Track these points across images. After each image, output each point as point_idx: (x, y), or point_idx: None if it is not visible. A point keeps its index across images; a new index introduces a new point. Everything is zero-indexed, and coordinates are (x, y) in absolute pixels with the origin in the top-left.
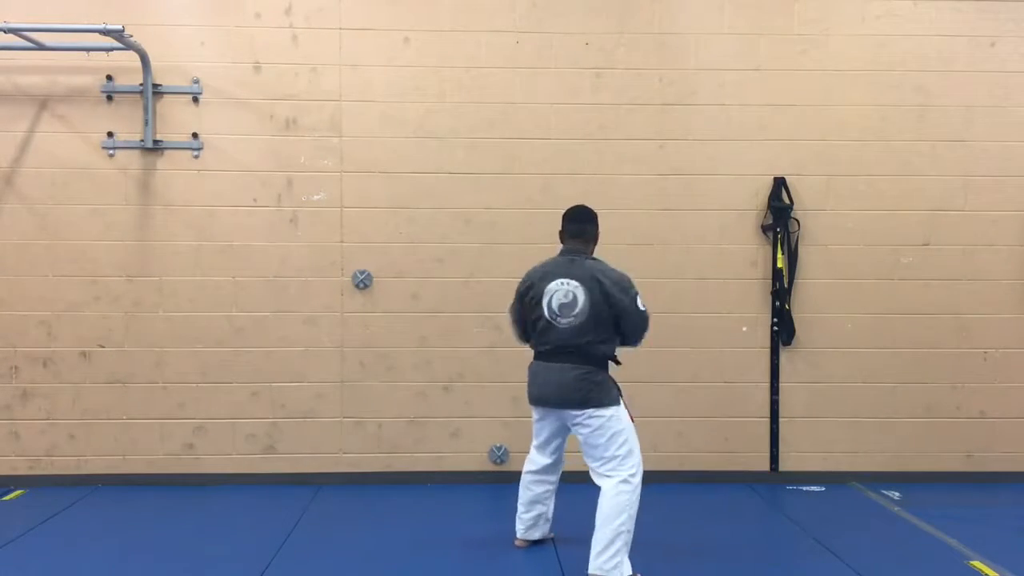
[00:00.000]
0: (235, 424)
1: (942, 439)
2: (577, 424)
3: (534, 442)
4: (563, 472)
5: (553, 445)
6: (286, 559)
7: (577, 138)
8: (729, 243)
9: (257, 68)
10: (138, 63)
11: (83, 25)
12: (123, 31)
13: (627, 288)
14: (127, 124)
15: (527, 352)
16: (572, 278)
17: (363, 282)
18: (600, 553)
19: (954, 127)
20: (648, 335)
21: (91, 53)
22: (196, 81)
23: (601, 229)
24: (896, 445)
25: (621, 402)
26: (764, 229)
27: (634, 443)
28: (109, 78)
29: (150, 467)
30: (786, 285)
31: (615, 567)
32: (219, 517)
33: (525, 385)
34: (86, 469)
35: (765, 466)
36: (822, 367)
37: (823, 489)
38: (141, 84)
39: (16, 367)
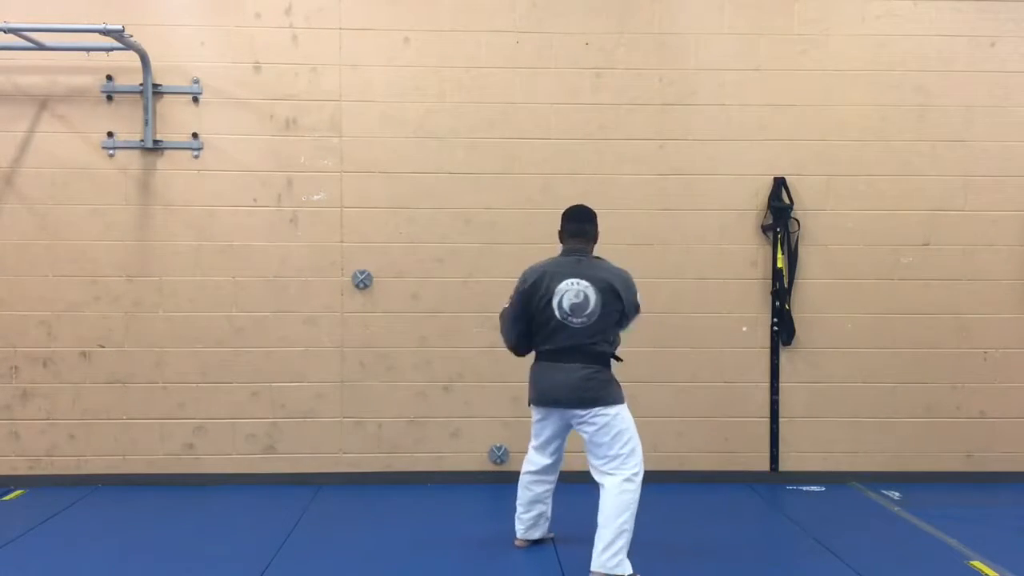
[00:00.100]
0: (235, 424)
1: (942, 439)
2: (582, 423)
3: (533, 443)
4: (563, 472)
5: (554, 446)
6: (286, 559)
7: (577, 138)
8: (729, 243)
9: (257, 68)
10: (138, 63)
11: (83, 25)
12: (123, 31)
13: (631, 286)
14: (127, 124)
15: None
16: (582, 278)
17: (363, 282)
18: (604, 550)
19: (954, 127)
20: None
21: (91, 53)
22: (196, 81)
23: (601, 229)
24: (896, 445)
25: (625, 401)
26: (764, 229)
27: (637, 442)
28: (109, 78)
29: (150, 467)
30: (786, 285)
31: (618, 564)
32: (219, 517)
33: (524, 385)
34: (86, 469)
35: (765, 466)
36: (822, 367)
37: (823, 489)
38: (141, 84)
39: (16, 367)
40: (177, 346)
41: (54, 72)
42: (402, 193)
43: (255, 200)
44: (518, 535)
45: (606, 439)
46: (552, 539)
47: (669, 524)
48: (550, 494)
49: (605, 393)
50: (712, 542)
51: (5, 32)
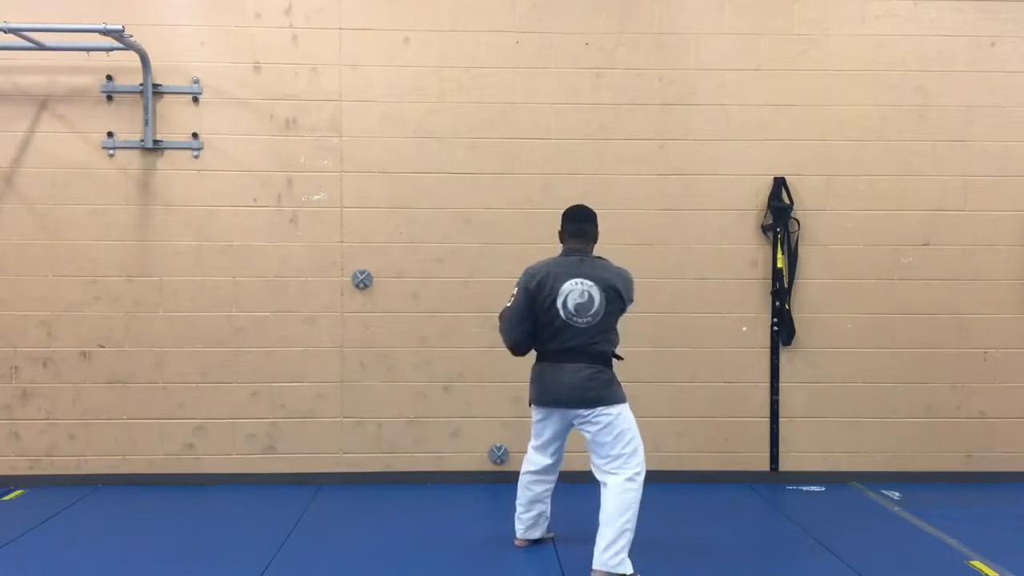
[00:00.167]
0: (235, 424)
1: (942, 439)
2: (585, 423)
3: (533, 443)
4: (563, 472)
5: (554, 446)
6: (286, 559)
7: (577, 138)
8: (729, 243)
9: (257, 68)
10: (138, 63)
11: (83, 25)
12: (123, 31)
13: (631, 285)
14: (127, 124)
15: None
16: (586, 278)
17: (363, 282)
18: (605, 549)
19: (954, 127)
20: None
21: (91, 53)
22: (196, 81)
23: (601, 229)
24: (896, 445)
25: (627, 400)
26: (764, 229)
27: (639, 442)
28: (109, 78)
29: (150, 467)
30: (786, 285)
31: (619, 563)
32: (219, 517)
33: (525, 385)
34: (86, 469)
35: (765, 466)
36: (822, 367)
37: (823, 489)
38: (141, 84)
39: (16, 367)
40: (177, 346)
41: (54, 72)
42: (402, 193)
43: (255, 200)
44: (518, 535)
45: (608, 439)
46: (552, 539)
47: (669, 524)
48: (550, 494)
49: (608, 393)
50: (712, 542)
51: (5, 32)
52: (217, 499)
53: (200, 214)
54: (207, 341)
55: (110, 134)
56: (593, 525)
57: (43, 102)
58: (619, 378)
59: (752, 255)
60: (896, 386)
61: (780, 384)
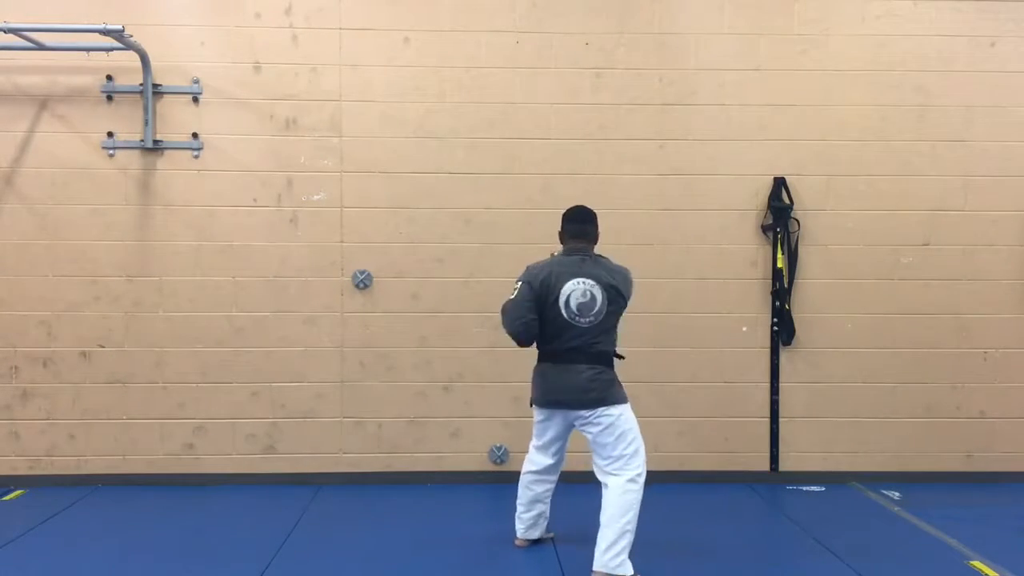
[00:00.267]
0: (235, 424)
1: (942, 439)
2: (586, 423)
3: (535, 443)
4: (564, 472)
5: (556, 446)
6: (286, 559)
7: (577, 138)
8: (729, 243)
9: (257, 68)
10: (138, 63)
11: (83, 25)
12: (123, 31)
13: (630, 283)
14: (127, 124)
15: (527, 352)
16: (588, 277)
17: (363, 282)
18: (606, 550)
19: (954, 127)
20: None
21: (91, 53)
22: (196, 81)
23: (601, 229)
24: (896, 445)
25: (628, 401)
26: (764, 229)
27: (640, 443)
28: (109, 78)
29: (150, 467)
30: (786, 285)
31: (620, 564)
32: (219, 517)
33: (525, 385)
34: (86, 469)
35: (765, 466)
36: (822, 367)
37: (823, 489)
38: (141, 84)
39: (16, 367)
40: (177, 346)
41: (54, 72)
42: (402, 193)
43: (255, 200)
44: (518, 535)
45: (610, 439)
46: (552, 539)
47: (669, 524)
48: (551, 494)
49: (610, 394)
50: (712, 542)
51: (5, 32)
52: (217, 499)
53: (200, 214)
54: (207, 341)
55: (110, 134)
56: (593, 525)
57: (43, 102)
58: (619, 378)
59: (752, 255)
60: (896, 386)
61: (780, 384)
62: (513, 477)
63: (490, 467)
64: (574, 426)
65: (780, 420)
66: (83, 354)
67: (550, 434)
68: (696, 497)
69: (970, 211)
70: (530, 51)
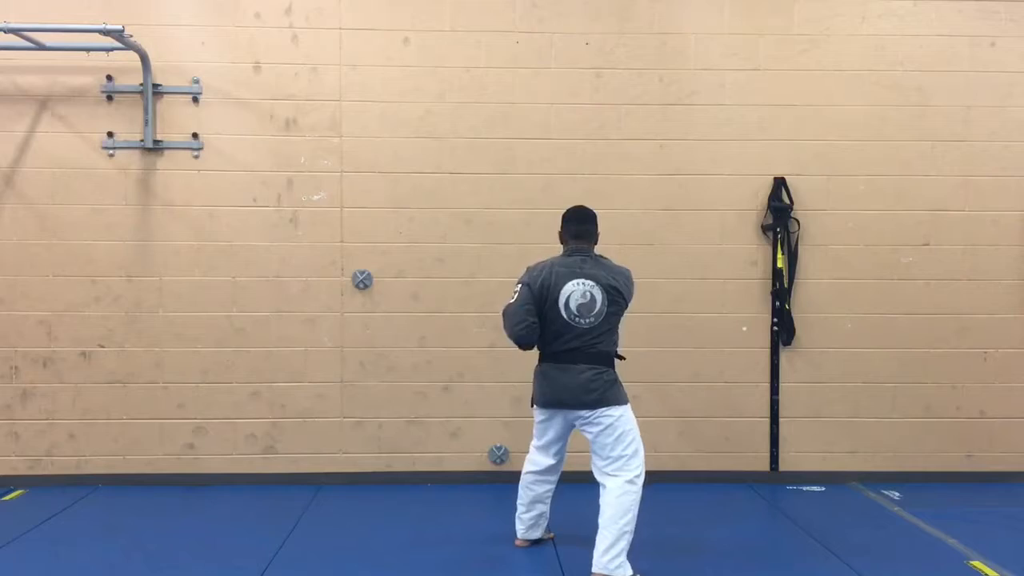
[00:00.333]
0: (235, 424)
1: (942, 439)
2: (587, 424)
3: (536, 443)
4: (564, 472)
5: (557, 447)
6: (286, 559)
7: (577, 138)
8: (729, 243)
9: (257, 68)
10: (138, 63)
11: (83, 25)
12: (123, 31)
13: (631, 283)
14: (127, 124)
15: (527, 352)
16: (587, 278)
17: (363, 282)
18: (605, 552)
19: (954, 127)
20: None
21: (91, 53)
22: (196, 81)
23: (601, 229)
24: (896, 445)
25: (629, 401)
26: (764, 229)
27: (640, 444)
28: (109, 78)
29: (150, 467)
30: (786, 285)
31: (619, 566)
32: (219, 517)
33: (525, 385)
34: (86, 469)
35: (765, 466)
36: (822, 367)
37: (823, 489)
38: (141, 84)
39: (16, 367)
40: (177, 346)
41: (54, 72)
42: (402, 193)
43: (255, 200)
44: (518, 535)
45: (610, 440)
46: (552, 539)
47: (669, 524)
48: (551, 494)
49: (611, 394)
50: (712, 542)
51: (5, 32)
52: (217, 499)
53: (200, 214)
54: (207, 341)
55: (110, 134)
56: (593, 525)
57: (43, 102)
58: (620, 378)
59: (752, 255)
60: (896, 386)
61: (780, 384)
62: (513, 477)
63: (490, 467)
64: (574, 426)
65: (780, 420)
66: (83, 354)
67: (551, 434)
68: (696, 497)
69: (970, 211)
70: (530, 51)
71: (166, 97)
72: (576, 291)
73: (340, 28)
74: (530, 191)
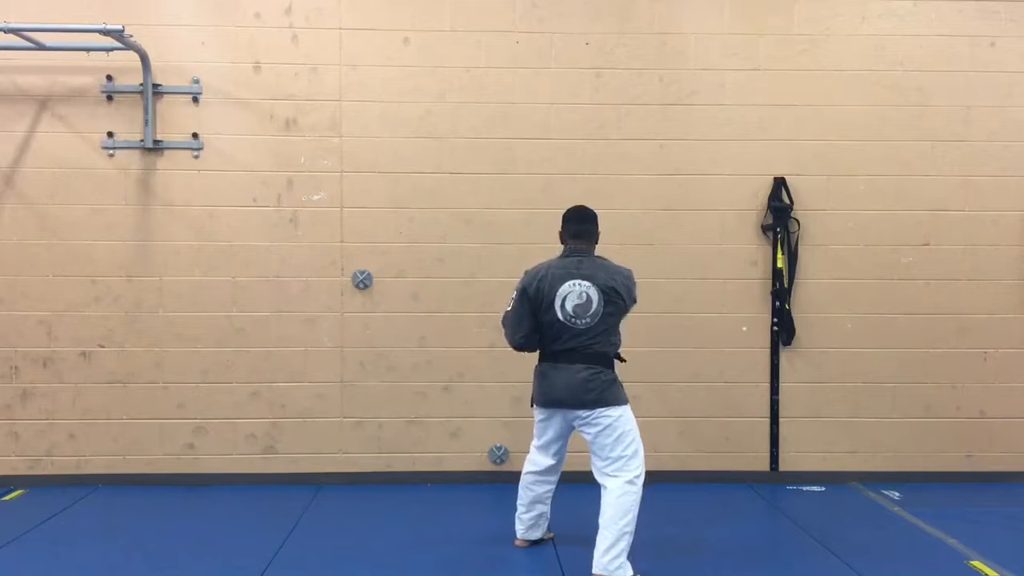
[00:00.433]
0: (235, 424)
1: (942, 439)
2: (585, 424)
3: (536, 443)
4: (564, 472)
5: (556, 446)
6: (286, 559)
7: (577, 138)
8: (729, 243)
9: (257, 68)
10: (138, 63)
11: (83, 25)
12: (123, 31)
13: (632, 285)
14: (127, 124)
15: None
16: (584, 279)
17: (363, 282)
18: (605, 552)
19: (954, 127)
20: None
21: (91, 53)
22: (196, 81)
23: (601, 229)
24: (896, 445)
25: (628, 402)
26: (764, 229)
27: (639, 444)
28: (109, 78)
29: (150, 467)
30: (786, 285)
31: (619, 567)
32: (219, 517)
33: (525, 385)
34: (86, 469)
35: (765, 466)
36: (822, 367)
37: (823, 489)
38: (141, 84)
39: (16, 367)
40: (177, 346)
41: (54, 72)
42: (402, 193)
43: (255, 200)
44: (518, 535)
45: (609, 440)
46: (552, 539)
47: (669, 524)
48: (551, 494)
49: (609, 394)
50: (712, 542)
51: (5, 32)
52: (217, 499)
53: (200, 214)
54: (207, 341)
55: (110, 134)
56: (593, 525)
57: (43, 102)
58: (620, 379)
59: (752, 255)
60: (896, 386)
61: (780, 384)
62: (513, 477)
63: (490, 467)
64: (574, 427)
65: (780, 420)
66: (83, 354)
67: (550, 434)
68: (696, 497)
69: (970, 211)
70: (530, 51)
71: (166, 97)
72: (572, 292)
73: (340, 28)
74: (530, 191)
